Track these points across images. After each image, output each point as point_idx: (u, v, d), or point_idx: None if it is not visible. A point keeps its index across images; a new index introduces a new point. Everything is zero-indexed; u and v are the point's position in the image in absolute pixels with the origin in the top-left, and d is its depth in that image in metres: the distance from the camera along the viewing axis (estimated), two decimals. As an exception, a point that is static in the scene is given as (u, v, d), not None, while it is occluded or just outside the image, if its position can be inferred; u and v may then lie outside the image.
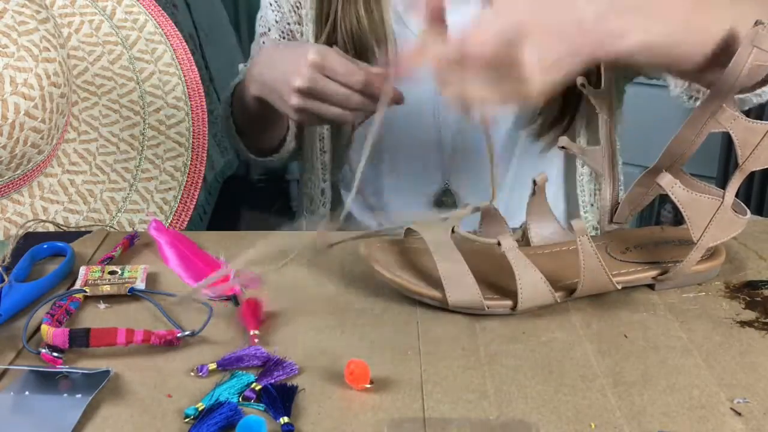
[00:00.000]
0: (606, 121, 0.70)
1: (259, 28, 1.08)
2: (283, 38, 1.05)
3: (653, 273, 0.67)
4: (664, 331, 0.62)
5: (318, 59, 0.79)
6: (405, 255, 0.68)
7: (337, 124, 0.84)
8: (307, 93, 0.80)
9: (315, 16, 1.00)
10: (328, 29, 0.98)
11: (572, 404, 0.54)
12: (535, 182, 0.71)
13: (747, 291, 0.68)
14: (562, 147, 0.78)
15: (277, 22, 1.04)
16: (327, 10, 0.98)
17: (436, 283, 0.64)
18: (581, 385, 0.56)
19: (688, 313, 0.65)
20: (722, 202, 0.63)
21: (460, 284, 0.63)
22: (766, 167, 0.63)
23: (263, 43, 1.06)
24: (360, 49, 0.97)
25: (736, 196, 0.64)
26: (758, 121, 0.61)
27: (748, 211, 0.66)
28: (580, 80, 0.72)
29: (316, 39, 1.00)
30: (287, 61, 0.83)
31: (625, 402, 0.54)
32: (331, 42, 0.97)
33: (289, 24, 1.04)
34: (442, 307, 0.64)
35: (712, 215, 0.63)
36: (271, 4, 1.04)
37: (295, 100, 0.81)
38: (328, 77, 0.79)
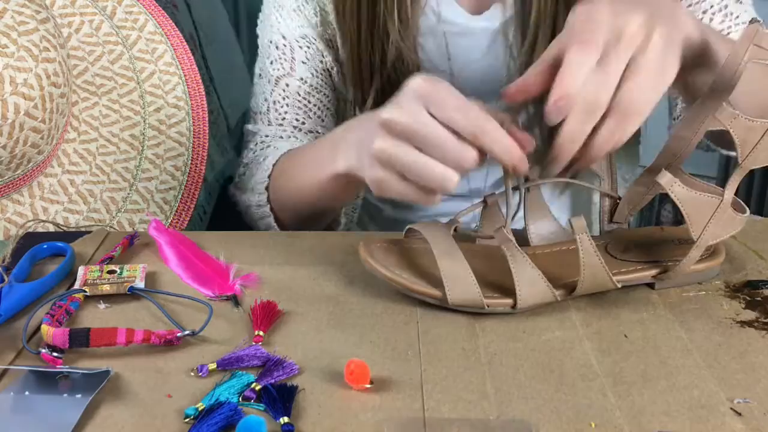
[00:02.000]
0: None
1: (273, 72, 0.95)
2: (317, 78, 0.95)
3: (653, 272, 0.67)
4: (664, 331, 0.62)
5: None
6: (405, 254, 0.68)
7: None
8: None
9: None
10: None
11: (572, 404, 0.54)
12: (534, 182, 0.71)
13: (747, 291, 0.68)
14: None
15: (307, 60, 0.93)
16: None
17: (436, 281, 0.64)
18: (581, 385, 0.56)
19: (688, 313, 0.64)
20: (722, 200, 0.63)
21: (461, 282, 0.63)
22: (765, 165, 0.63)
23: (286, 86, 0.94)
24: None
25: (736, 195, 0.64)
26: (758, 119, 0.61)
27: (747, 209, 0.66)
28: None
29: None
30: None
31: (625, 402, 0.54)
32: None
33: (322, 62, 0.94)
34: (442, 305, 0.64)
35: (711, 213, 0.63)
36: (297, 41, 0.93)
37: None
38: None
